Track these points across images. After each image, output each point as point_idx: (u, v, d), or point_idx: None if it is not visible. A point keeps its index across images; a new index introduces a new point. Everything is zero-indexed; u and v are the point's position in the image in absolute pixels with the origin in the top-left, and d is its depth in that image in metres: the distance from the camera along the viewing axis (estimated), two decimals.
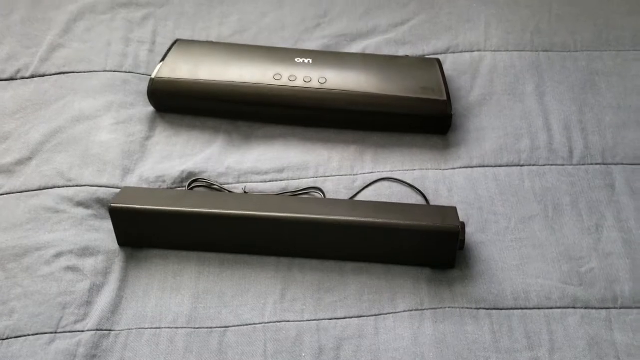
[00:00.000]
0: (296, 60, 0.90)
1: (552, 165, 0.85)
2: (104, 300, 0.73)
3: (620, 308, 0.72)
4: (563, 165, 0.85)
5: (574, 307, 0.72)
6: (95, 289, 0.74)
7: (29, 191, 0.82)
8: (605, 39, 0.99)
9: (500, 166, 0.85)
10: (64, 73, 0.95)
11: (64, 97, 0.92)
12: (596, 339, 0.70)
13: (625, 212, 0.80)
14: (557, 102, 0.91)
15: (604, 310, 0.72)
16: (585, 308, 0.72)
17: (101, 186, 0.82)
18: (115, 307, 0.72)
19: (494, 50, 0.98)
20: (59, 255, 0.76)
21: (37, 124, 0.89)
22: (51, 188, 0.82)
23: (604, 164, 0.85)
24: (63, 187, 0.82)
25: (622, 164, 0.85)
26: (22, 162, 0.84)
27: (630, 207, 0.80)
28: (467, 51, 0.98)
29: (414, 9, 1.04)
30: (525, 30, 1.00)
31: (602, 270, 0.75)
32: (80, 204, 0.80)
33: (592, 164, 0.85)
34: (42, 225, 0.78)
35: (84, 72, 0.95)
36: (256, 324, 0.71)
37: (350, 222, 0.74)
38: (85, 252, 0.76)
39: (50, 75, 0.95)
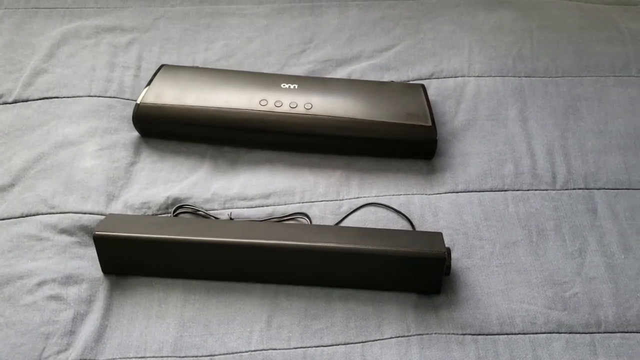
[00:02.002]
0: (282, 85, 0.91)
1: (535, 190, 0.86)
2: (87, 329, 0.72)
3: (604, 332, 0.73)
4: (546, 190, 0.86)
5: (558, 332, 0.73)
6: (79, 318, 0.73)
7: (11, 218, 0.81)
8: (585, 64, 1.01)
9: (484, 191, 0.86)
10: (47, 98, 0.94)
11: (47, 122, 0.91)
12: None
13: (607, 236, 0.81)
14: (540, 127, 0.93)
15: (588, 335, 0.73)
16: (570, 333, 0.73)
17: (85, 213, 0.81)
18: (99, 336, 0.71)
19: (478, 76, 0.99)
20: (41, 283, 0.74)
21: (20, 150, 0.88)
22: (34, 215, 0.81)
23: (586, 189, 0.86)
24: (46, 214, 0.81)
25: (604, 188, 0.86)
26: (5, 188, 0.84)
27: (612, 232, 0.81)
28: (451, 77, 0.99)
29: (398, 35, 1.05)
30: (507, 56, 1.02)
31: (585, 294, 0.76)
32: (63, 231, 0.79)
33: (574, 189, 0.86)
34: (24, 253, 0.77)
35: (68, 97, 0.94)
36: (242, 352, 0.71)
37: (336, 248, 0.74)
38: (68, 280, 0.75)
39: (34, 100, 0.94)
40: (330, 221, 0.82)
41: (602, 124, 0.93)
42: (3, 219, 0.80)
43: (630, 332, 0.73)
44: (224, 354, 0.70)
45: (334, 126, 0.87)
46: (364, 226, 0.81)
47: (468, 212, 0.83)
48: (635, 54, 1.02)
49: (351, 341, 0.72)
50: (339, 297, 0.75)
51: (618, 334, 0.73)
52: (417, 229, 0.81)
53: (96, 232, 0.74)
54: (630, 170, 0.88)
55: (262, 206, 0.83)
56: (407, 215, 0.82)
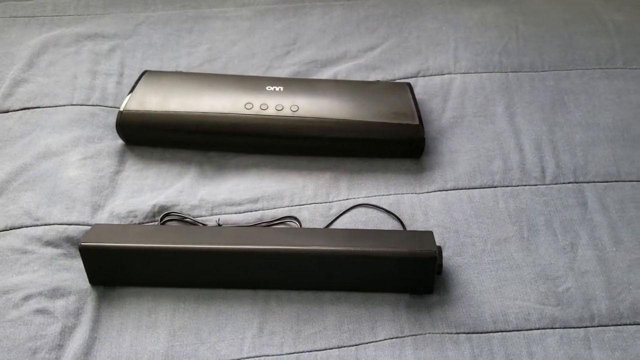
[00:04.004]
0: (267, 88, 0.90)
1: (525, 185, 0.85)
2: (76, 342, 0.70)
3: (598, 326, 0.73)
4: (536, 185, 0.85)
5: (552, 328, 0.72)
6: (66, 332, 0.71)
7: None
8: (571, 58, 1.01)
9: (474, 188, 0.85)
10: (28, 108, 0.93)
11: (29, 133, 0.90)
12: (575, 359, 0.70)
13: (598, 229, 0.81)
14: (528, 122, 0.92)
15: (582, 330, 0.72)
16: (564, 328, 0.72)
17: (70, 224, 0.80)
18: (88, 349, 0.70)
19: (464, 73, 0.99)
20: (27, 297, 0.73)
21: (1, 161, 0.86)
22: (18, 228, 0.79)
23: (575, 182, 0.86)
24: (31, 226, 0.79)
25: (594, 181, 0.86)
26: None
27: (603, 225, 0.81)
28: (437, 74, 0.99)
29: (383, 34, 1.05)
30: (493, 51, 1.02)
31: (578, 289, 0.75)
32: (49, 243, 0.78)
33: (564, 183, 0.86)
34: (9, 267, 0.76)
35: (50, 106, 0.93)
36: (234, 359, 0.70)
37: (327, 251, 0.73)
38: (55, 293, 0.74)
39: (15, 111, 0.92)
40: (320, 224, 0.81)
41: (590, 116, 0.93)
42: None
43: (624, 325, 0.73)
44: None
45: (321, 128, 0.86)
46: (354, 228, 0.81)
47: (458, 210, 0.82)
48: (620, 45, 1.03)
49: (344, 344, 0.71)
50: (331, 300, 0.74)
51: (612, 327, 0.72)
52: (408, 228, 0.81)
53: (82, 243, 0.73)
54: (619, 163, 0.88)
55: (251, 211, 0.82)
56: (397, 215, 0.82)
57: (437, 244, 0.76)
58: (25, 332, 0.71)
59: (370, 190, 0.85)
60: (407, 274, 0.74)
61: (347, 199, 0.84)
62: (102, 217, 0.81)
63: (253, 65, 1.00)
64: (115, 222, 0.81)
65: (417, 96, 0.92)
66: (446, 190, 0.85)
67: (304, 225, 0.81)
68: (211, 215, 0.82)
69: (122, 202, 0.83)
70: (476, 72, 0.99)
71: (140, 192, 0.84)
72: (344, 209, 0.82)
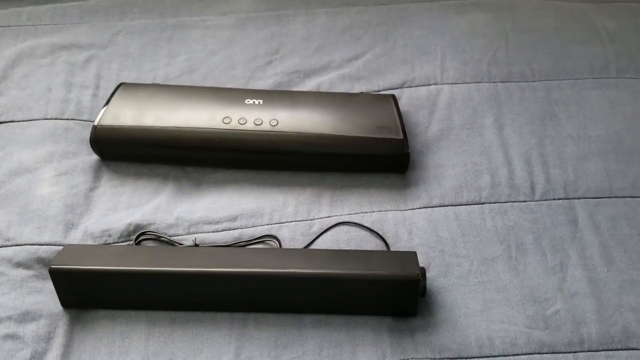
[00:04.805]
0: (246, 101, 0.87)
1: (513, 202, 0.82)
2: None
3: (588, 351, 0.70)
4: (525, 201, 0.82)
5: (540, 353, 0.70)
6: (37, 357, 0.69)
7: None
8: (562, 67, 0.98)
9: (460, 205, 0.82)
10: (1, 123, 0.90)
11: (1, 148, 0.87)
12: None
13: (589, 248, 0.78)
14: (517, 135, 0.89)
15: (570, 355, 0.70)
16: (552, 353, 0.70)
17: (42, 244, 0.77)
18: None
19: (451, 83, 0.96)
20: None
21: None
22: None
23: (566, 199, 0.83)
24: (1, 247, 0.77)
25: (585, 197, 0.83)
26: None
27: (594, 244, 0.78)
28: (424, 85, 0.96)
29: (368, 42, 1.02)
30: (482, 60, 0.99)
31: (567, 312, 0.73)
32: (19, 264, 0.75)
33: (554, 199, 0.83)
34: None
35: (23, 120, 0.90)
36: None
37: (307, 274, 0.70)
38: (25, 317, 0.71)
39: None
40: (300, 243, 0.78)
41: (581, 129, 0.90)
42: None
43: (615, 350, 0.70)
44: None
45: (301, 142, 0.84)
46: (336, 247, 0.78)
47: (444, 228, 0.80)
48: (613, 54, 1.00)
49: None
50: (311, 323, 0.72)
51: (602, 352, 0.70)
52: (392, 247, 0.78)
53: (52, 266, 0.71)
54: (611, 177, 0.85)
55: (229, 229, 0.80)
56: (380, 233, 0.79)
57: (421, 264, 0.74)
58: None
59: (353, 207, 0.82)
60: (390, 296, 0.71)
61: (329, 216, 0.81)
62: (76, 237, 0.79)
63: (234, 76, 0.97)
64: (89, 241, 0.78)
65: (402, 108, 0.89)
66: (432, 207, 0.82)
67: (284, 245, 0.78)
68: (188, 234, 0.79)
69: (97, 221, 0.80)
70: (464, 83, 0.96)
71: (115, 210, 0.81)
72: (326, 227, 0.80)
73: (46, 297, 0.73)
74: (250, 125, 0.84)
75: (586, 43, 1.01)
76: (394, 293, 0.71)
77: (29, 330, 0.71)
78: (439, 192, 0.84)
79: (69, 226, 0.79)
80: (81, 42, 1.01)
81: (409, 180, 0.85)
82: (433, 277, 0.75)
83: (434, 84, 0.96)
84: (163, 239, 0.78)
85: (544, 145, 0.88)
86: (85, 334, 0.71)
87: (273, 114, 0.85)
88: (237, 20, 1.05)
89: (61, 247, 0.76)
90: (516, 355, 0.70)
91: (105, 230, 0.79)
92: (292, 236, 0.79)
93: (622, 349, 0.70)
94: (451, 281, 0.75)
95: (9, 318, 0.71)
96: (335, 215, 0.81)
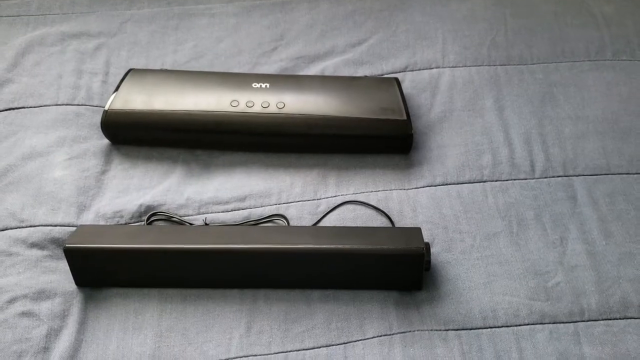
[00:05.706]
0: (253, 85, 0.89)
1: (514, 179, 0.85)
2: (62, 345, 0.70)
3: (588, 321, 0.72)
4: (525, 179, 0.85)
5: (542, 323, 0.72)
6: (52, 334, 0.71)
7: None
8: (560, 50, 1.00)
9: (463, 183, 0.84)
10: (13, 109, 0.92)
11: (14, 133, 0.89)
12: (565, 354, 0.69)
13: (588, 223, 0.80)
14: (517, 116, 0.92)
15: (571, 324, 0.72)
16: (553, 323, 0.72)
17: (56, 225, 0.79)
18: (74, 351, 0.70)
19: (452, 66, 0.98)
20: (12, 300, 0.72)
21: None
22: (3, 230, 0.79)
23: (565, 176, 0.85)
24: (16, 228, 0.79)
25: (583, 175, 0.85)
26: None
27: (592, 218, 0.80)
28: (426, 68, 0.98)
29: (370, 28, 1.04)
30: (482, 44, 1.01)
31: (568, 283, 0.75)
32: (34, 245, 0.77)
33: (553, 177, 0.85)
34: None
35: (35, 106, 0.92)
36: (222, 359, 0.69)
37: (314, 250, 0.72)
38: (41, 295, 0.73)
39: None
40: (308, 221, 0.81)
41: (579, 109, 0.92)
42: None
43: (614, 319, 0.72)
44: None
45: (307, 125, 0.86)
46: (342, 225, 0.80)
47: (447, 206, 0.82)
48: (609, 37, 1.02)
49: (333, 343, 0.70)
50: (319, 298, 0.74)
51: (601, 322, 0.72)
52: (397, 224, 0.80)
53: (66, 245, 0.73)
54: (609, 155, 0.87)
55: (238, 209, 0.82)
56: (385, 211, 0.81)
57: (426, 240, 0.76)
58: (11, 335, 0.70)
59: (358, 187, 0.84)
60: (396, 271, 0.73)
61: (335, 196, 0.83)
62: (88, 218, 0.80)
63: (239, 62, 0.99)
64: (101, 222, 0.80)
65: (405, 91, 0.91)
66: (435, 186, 0.84)
67: (291, 224, 0.80)
68: (198, 214, 0.81)
69: (108, 202, 0.82)
70: (465, 66, 0.98)
71: (127, 192, 0.83)
72: (332, 206, 0.82)
73: (60, 276, 0.75)
74: (257, 108, 0.86)
75: (583, 27, 1.03)
76: (400, 267, 0.73)
77: (45, 308, 0.73)
78: (442, 171, 0.86)
79: (82, 208, 0.81)
80: (91, 31, 1.03)
81: (412, 160, 0.87)
82: (437, 252, 0.77)
83: (436, 68, 0.98)
84: (174, 219, 0.80)
85: (543, 125, 0.90)
86: (99, 311, 0.73)
87: (280, 97, 0.87)
88: (242, 7, 1.06)
89: (74, 228, 0.78)
90: (519, 325, 0.72)
91: (117, 212, 0.81)
92: (300, 215, 0.81)
93: (620, 318, 0.72)
94: (455, 256, 0.77)
95: (25, 296, 0.73)
96: (341, 195, 0.83)
